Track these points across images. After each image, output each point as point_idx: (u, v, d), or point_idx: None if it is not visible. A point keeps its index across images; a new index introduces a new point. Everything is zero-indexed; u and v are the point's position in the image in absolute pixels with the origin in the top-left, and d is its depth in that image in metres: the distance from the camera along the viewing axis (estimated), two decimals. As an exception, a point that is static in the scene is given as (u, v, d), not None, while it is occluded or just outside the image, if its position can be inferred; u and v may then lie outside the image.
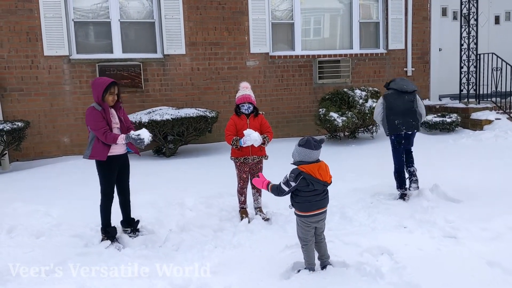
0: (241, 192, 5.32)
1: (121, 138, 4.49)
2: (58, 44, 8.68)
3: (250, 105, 5.14)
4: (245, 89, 5.20)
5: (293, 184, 3.69)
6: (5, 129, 7.60)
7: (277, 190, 3.83)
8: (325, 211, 3.87)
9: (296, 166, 3.75)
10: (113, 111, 4.62)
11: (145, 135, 4.48)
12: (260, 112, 5.31)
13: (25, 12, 8.48)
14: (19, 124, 7.92)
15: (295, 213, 3.87)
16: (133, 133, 4.50)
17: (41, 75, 8.68)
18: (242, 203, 5.34)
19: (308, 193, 3.73)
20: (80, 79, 8.89)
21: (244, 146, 4.98)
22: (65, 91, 8.85)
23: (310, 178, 3.66)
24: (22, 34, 8.51)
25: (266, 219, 5.15)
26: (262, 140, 4.98)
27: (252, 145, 5.04)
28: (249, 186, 5.39)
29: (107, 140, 4.45)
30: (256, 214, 5.29)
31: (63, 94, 8.83)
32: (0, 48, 8.42)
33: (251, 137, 4.87)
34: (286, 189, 3.74)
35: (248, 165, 5.22)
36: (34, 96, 8.68)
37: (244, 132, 4.91)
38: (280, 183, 3.80)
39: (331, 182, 3.81)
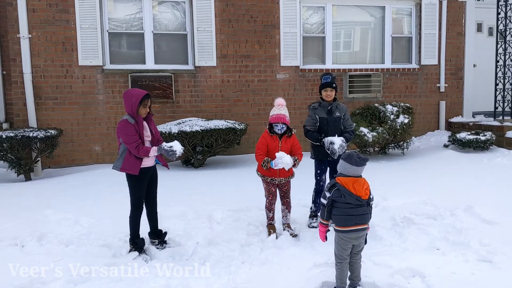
0: (270, 208, 5.24)
1: (153, 151, 4.51)
2: (93, 54, 8.86)
3: (283, 126, 5.01)
4: (280, 107, 5.04)
5: (328, 195, 3.76)
6: (39, 136, 7.77)
7: (321, 209, 3.88)
8: (365, 229, 3.82)
9: (334, 178, 3.84)
10: (145, 123, 4.64)
11: (177, 147, 4.50)
12: (293, 132, 5.19)
13: (62, 23, 8.70)
14: (53, 132, 8.08)
15: (334, 229, 3.84)
16: (165, 145, 4.52)
17: (75, 84, 8.87)
18: (270, 219, 5.26)
19: (343, 205, 3.73)
20: (113, 89, 9.04)
21: (274, 168, 4.90)
22: (98, 100, 9.01)
23: (343, 190, 3.70)
24: (58, 44, 8.73)
25: (294, 235, 5.08)
26: (292, 163, 4.90)
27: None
28: (278, 201, 5.31)
29: (139, 154, 4.47)
30: (284, 229, 5.22)
31: (96, 103, 8.99)
32: (37, 57, 8.65)
33: (283, 160, 4.78)
34: (325, 201, 3.79)
35: (275, 184, 5.18)
36: (68, 105, 8.86)
37: (276, 154, 4.82)
38: (320, 198, 3.88)
39: (367, 198, 3.76)
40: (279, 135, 5.06)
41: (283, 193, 5.27)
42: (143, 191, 4.71)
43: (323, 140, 5.32)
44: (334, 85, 5.45)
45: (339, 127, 5.48)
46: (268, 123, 5.11)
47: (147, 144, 4.66)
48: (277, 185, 5.20)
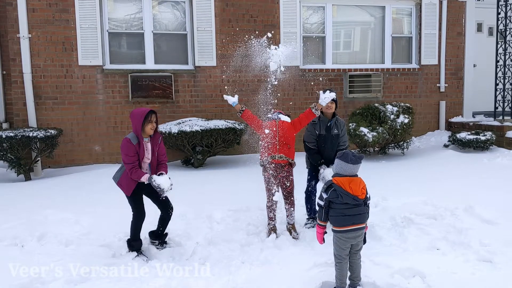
0: (271, 208, 5.18)
1: (145, 178, 4.55)
2: (92, 54, 8.85)
3: (278, 114, 5.24)
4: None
5: (325, 195, 3.75)
6: (38, 136, 7.76)
7: (318, 210, 3.86)
8: (362, 228, 3.81)
9: (331, 178, 3.83)
10: (148, 145, 4.67)
11: (165, 185, 4.55)
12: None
13: (61, 23, 8.70)
14: (52, 131, 8.07)
15: (332, 229, 3.82)
16: (154, 181, 4.54)
17: (75, 84, 8.86)
18: (271, 219, 5.19)
19: (340, 205, 3.72)
20: (113, 89, 9.03)
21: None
22: (98, 100, 9.00)
23: (340, 190, 3.69)
24: (58, 44, 8.73)
25: (296, 239, 5.06)
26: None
27: (280, 145, 5.00)
28: (282, 200, 5.24)
29: (131, 175, 4.54)
30: (286, 230, 5.20)
31: (95, 103, 8.98)
32: (37, 57, 8.65)
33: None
34: (321, 202, 3.78)
35: (277, 177, 5.09)
36: (68, 105, 8.86)
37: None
38: (317, 199, 3.87)
39: (364, 198, 3.76)
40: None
41: (287, 193, 5.20)
42: (139, 199, 4.72)
43: (319, 167, 5.38)
44: (335, 99, 5.36)
45: (336, 144, 5.51)
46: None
47: (145, 166, 4.68)
48: (278, 183, 5.10)
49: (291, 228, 5.21)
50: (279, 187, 5.17)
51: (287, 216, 5.27)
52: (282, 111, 5.31)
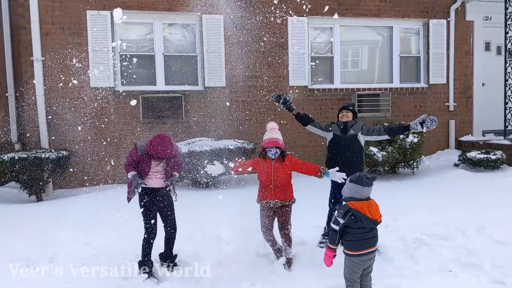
0: (267, 239, 4.95)
1: (130, 174, 4.68)
2: (104, 76, 8.98)
3: (277, 150, 4.76)
4: (272, 130, 4.84)
5: (341, 221, 3.69)
6: (50, 157, 7.85)
7: (331, 234, 3.80)
8: (375, 251, 3.80)
9: (345, 203, 3.75)
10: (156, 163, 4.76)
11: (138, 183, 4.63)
12: (288, 153, 4.91)
13: (74, 46, 8.85)
14: (64, 153, 8.16)
15: (344, 252, 3.80)
16: (139, 180, 4.64)
17: (87, 105, 8.97)
18: (272, 246, 5.01)
19: (357, 230, 3.69)
20: (124, 110, 9.13)
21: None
22: (109, 121, 9.09)
23: (359, 215, 3.64)
24: (71, 67, 8.85)
25: (288, 267, 4.84)
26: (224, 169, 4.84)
27: (276, 188, 4.77)
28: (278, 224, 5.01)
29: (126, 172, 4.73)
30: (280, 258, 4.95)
31: (107, 124, 9.07)
32: (50, 79, 8.79)
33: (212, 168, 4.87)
34: (336, 227, 3.73)
35: (272, 209, 4.88)
36: (80, 126, 8.94)
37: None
38: (331, 223, 3.80)
39: (381, 221, 3.75)
40: (272, 159, 4.82)
41: (280, 224, 4.90)
42: (150, 214, 4.74)
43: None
44: (350, 108, 5.48)
45: (353, 145, 5.30)
46: (261, 149, 4.92)
47: (156, 176, 4.75)
48: (273, 214, 4.89)
49: (286, 263, 4.87)
50: (274, 218, 4.93)
51: (283, 250, 4.94)
52: (279, 140, 4.81)
